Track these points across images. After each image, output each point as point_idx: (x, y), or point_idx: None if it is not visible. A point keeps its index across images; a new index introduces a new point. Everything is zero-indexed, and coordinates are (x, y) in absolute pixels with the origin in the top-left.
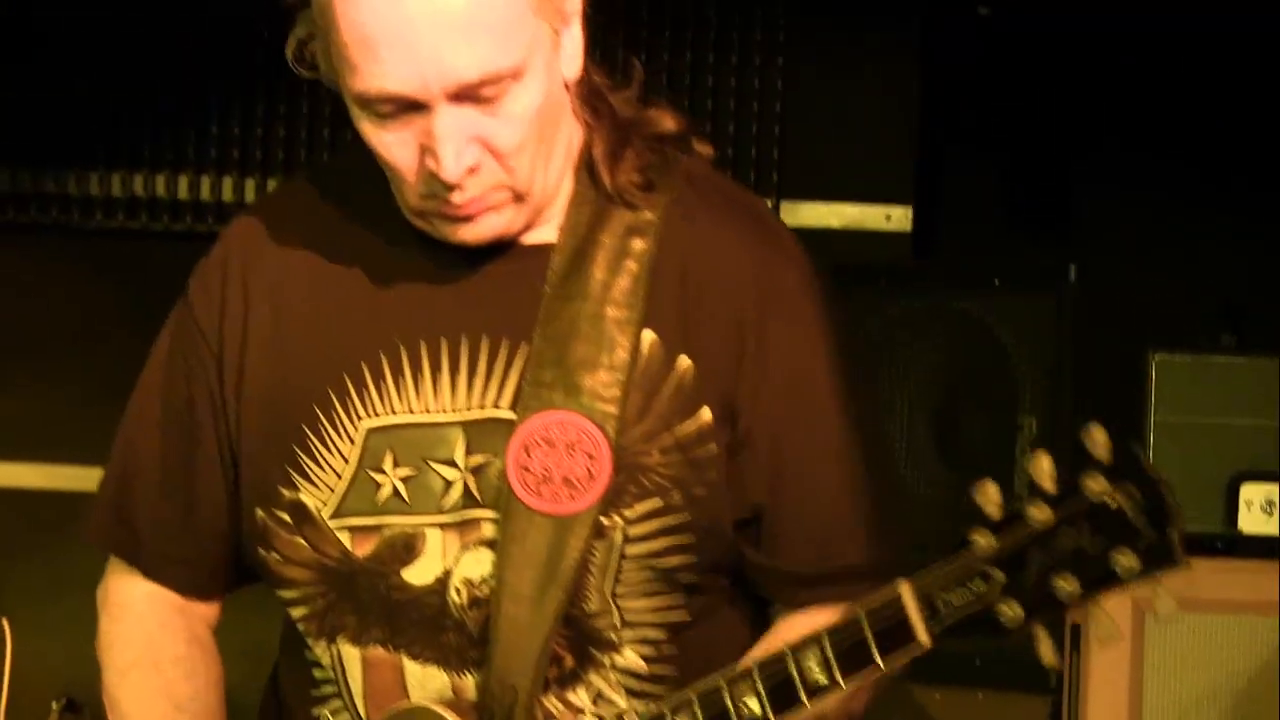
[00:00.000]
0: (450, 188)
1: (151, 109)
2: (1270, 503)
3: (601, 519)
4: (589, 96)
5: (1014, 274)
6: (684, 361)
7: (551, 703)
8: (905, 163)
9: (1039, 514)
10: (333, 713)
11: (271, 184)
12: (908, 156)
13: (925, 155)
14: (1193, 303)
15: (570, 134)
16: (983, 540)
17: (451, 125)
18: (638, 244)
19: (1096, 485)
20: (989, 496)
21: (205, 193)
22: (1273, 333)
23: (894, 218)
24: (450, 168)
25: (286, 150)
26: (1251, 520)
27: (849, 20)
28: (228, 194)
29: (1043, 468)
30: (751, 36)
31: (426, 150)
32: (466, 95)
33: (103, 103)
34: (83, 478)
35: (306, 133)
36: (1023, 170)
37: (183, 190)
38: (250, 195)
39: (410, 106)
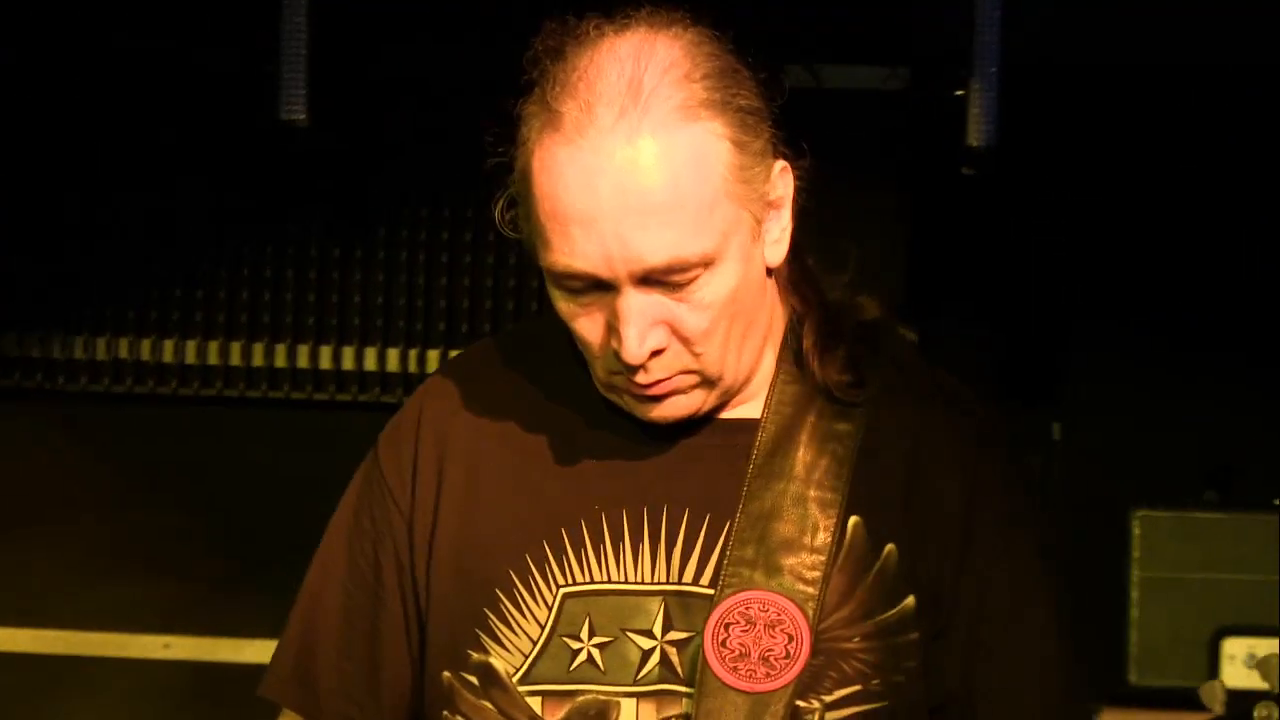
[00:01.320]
0: (634, 368)
1: (134, 275)
2: (1253, 656)
3: (799, 703)
4: (799, 281)
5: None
6: (889, 548)
7: None
8: None
9: (1266, 714)
10: None
11: (258, 348)
12: (910, 335)
13: (912, 316)
14: (1176, 460)
15: (772, 317)
16: None
17: (637, 307)
18: (843, 426)
19: None
20: (1214, 695)
21: (190, 356)
22: (1255, 489)
23: None
24: (633, 350)
25: (273, 315)
26: (1234, 675)
27: (833, 182)
28: (213, 358)
29: (1272, 667)
30: None
31: (613, 329)
32: (654, 279)
33: (85, 269)
34: (75, 642)
35: (293, 299)
36: (1009, 330)
37: (167, 354)
38: (236, 359)
39: (599, 285)
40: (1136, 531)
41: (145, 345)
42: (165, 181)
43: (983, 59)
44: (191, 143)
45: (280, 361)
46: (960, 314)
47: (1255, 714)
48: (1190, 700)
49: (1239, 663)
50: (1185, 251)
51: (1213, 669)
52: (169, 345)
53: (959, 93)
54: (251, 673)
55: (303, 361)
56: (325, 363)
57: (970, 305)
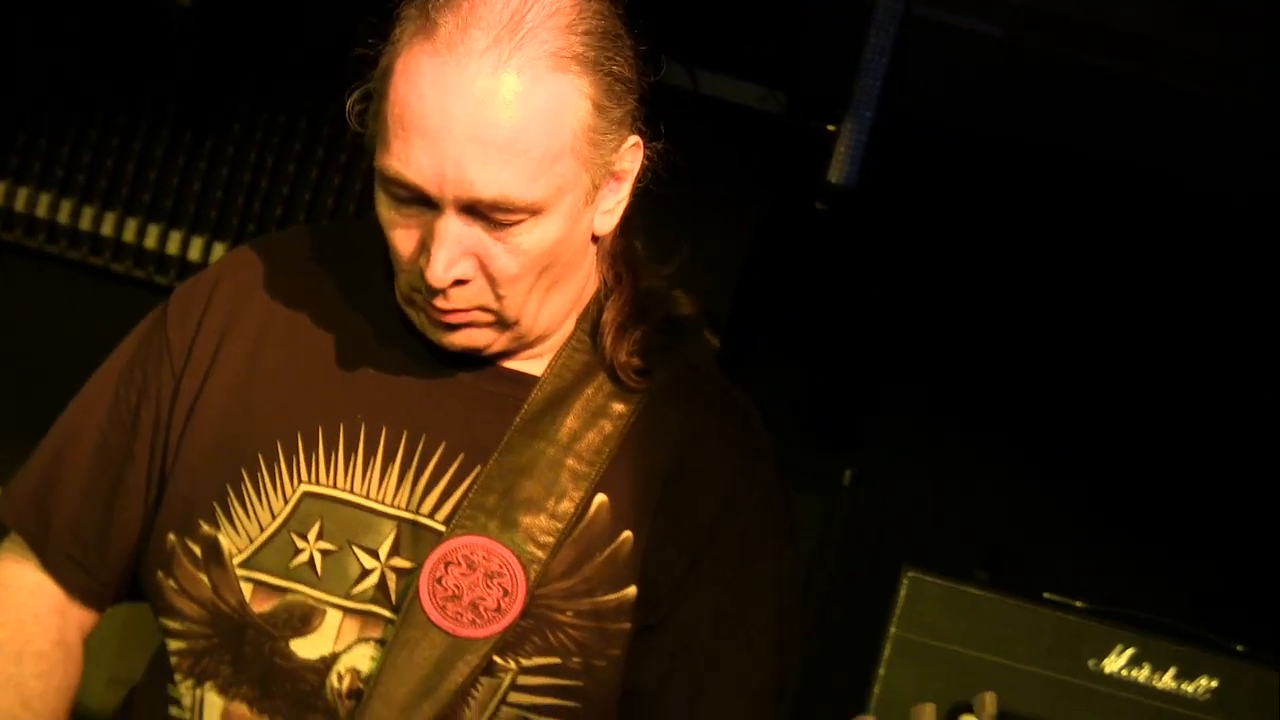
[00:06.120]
0: (435, 291)
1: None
2: None
3: (496, 658)
4: (619, 257)
5: (792, 469)
6: (626, 534)
7: None
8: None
9: None
10: None
11: (87, 211)
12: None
13: (733, 333)
14: (955, 534)
15: (585, 282)
16: None
17: (453, 233)
18: (618, 407)
19: None
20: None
21: (20, 204)
22: (1025, 578)
23: None
24: (438, 273)
25: (110, 183)
26: None
27: (685, 188)
28: (41, 210)
29: (924, 716)
30: None
31: (425, 247)
32: (478, 211)
33: None
34: None
35: (134, 172)
36: (824, 371)
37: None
38: (64, 216)
39: (424, 200)
40: (903, 591)
41: None
42: (43, 41)
43: (860, 101)
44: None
45: (107, 230)
46: (781, 343)
47: None
48: None
49: None
50: (1006, 338)
51: None
52: (0, 188)
53: (830, 127)
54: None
55: (129, 235)
56: (150, 242)
57: (792, 337)
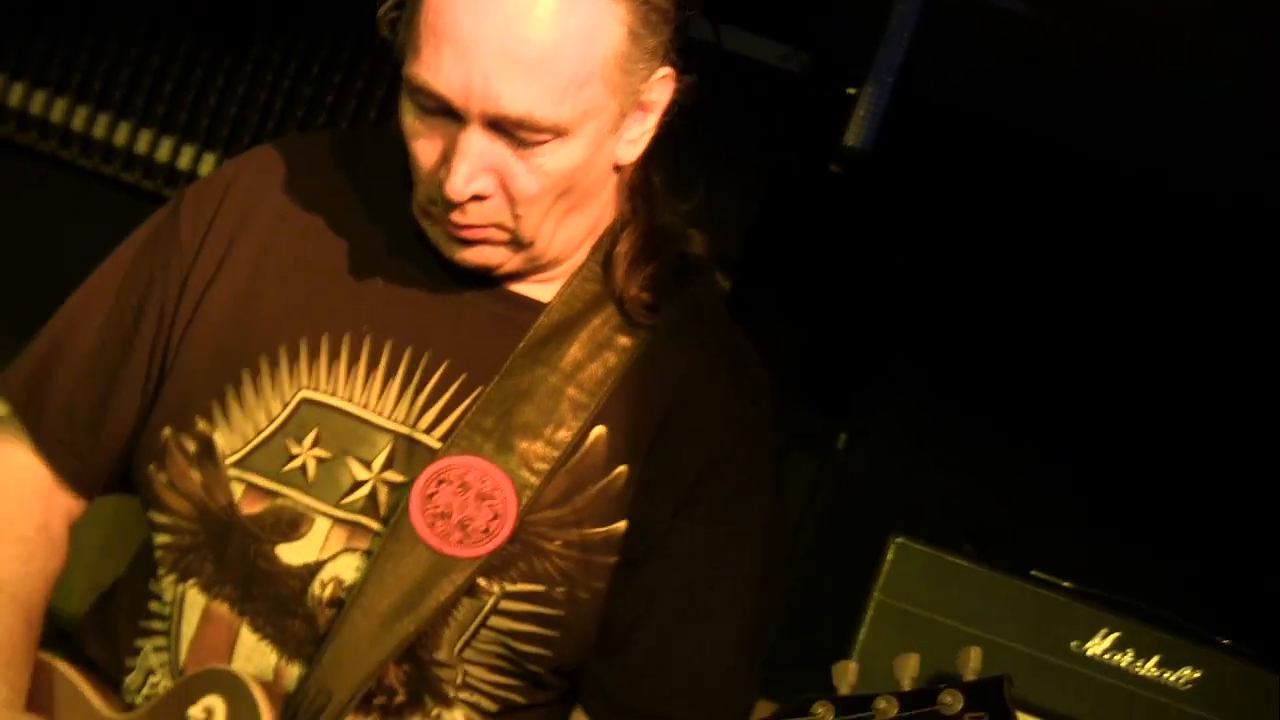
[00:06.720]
0: (453, 205)
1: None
2: None
3: (480, 580)
4: (638, 189)
5: (786, 427)
6: (621, 469)
7: None
8: None
9: (885, 706)
10: (154, 649)
11: (103, 119)
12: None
13: (738, 289)
14: (945, 508)
15: (603, 211)
16: (822, 710)
17: (476, 147)
18: (624, 340)
19: (951, 700)
20: (845, 675)
21: (37, 107)
22: (1014, 555)
23: None
24: (457, 185)
25: (125, 92)
26: None
27: (701, 143)
28: (57, 115)
29: (908, 666)
30: None
31: (446, 160)
32: (503, 127)
33: None
34: None
35: (151, 83)
36: (829, 333)
37: (14, 98)
38: (78, 122)
39: (449, 111)
40: (889, 556)
41: None
42: None
43: (882, 67)
44: None
45: (120, 139)
46: (787, 300)
47: (940, 699)
48: None
49: None
50: (1014, 319)
51: None
52: (18, 89)
53: (850, 90)
54: None
55: (141, 146)
56: (163, 154)
57: (799, 295)
